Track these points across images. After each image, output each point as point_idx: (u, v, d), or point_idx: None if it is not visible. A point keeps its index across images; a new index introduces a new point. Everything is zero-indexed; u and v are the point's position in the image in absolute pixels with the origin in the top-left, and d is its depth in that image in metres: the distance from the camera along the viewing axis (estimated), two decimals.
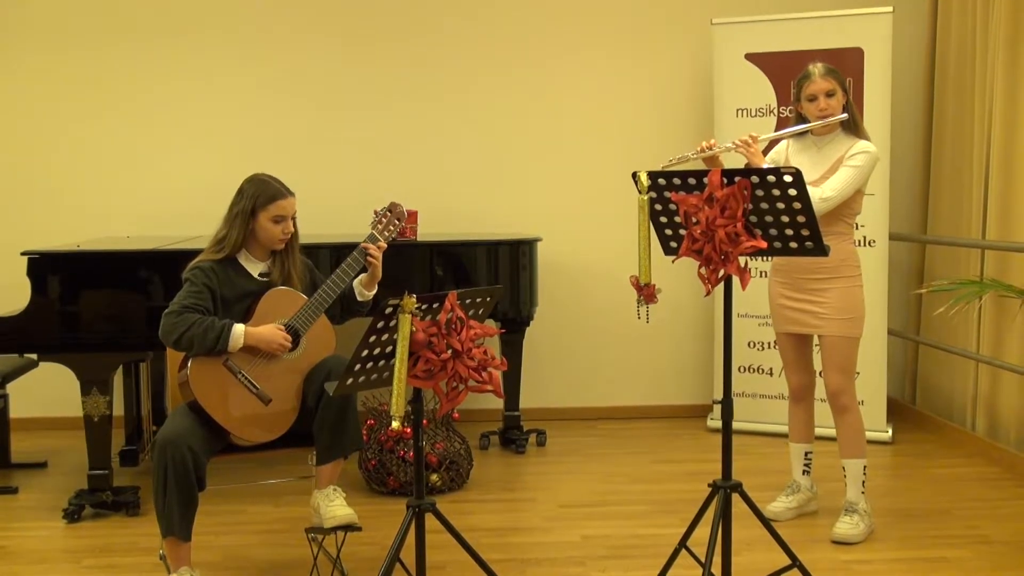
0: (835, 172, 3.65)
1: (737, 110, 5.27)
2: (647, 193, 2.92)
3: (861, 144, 3.67)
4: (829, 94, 3.66)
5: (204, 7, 5.47)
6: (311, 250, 3.92)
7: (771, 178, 2.83)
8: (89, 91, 5.45)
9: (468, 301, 2.80)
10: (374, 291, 3.55)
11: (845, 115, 3.68)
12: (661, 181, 2.95)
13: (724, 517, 2.97)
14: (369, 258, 3.39)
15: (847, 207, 3.67)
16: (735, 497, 3.00)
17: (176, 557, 3.15)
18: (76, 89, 5.45)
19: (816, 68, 3.69)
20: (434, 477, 4.28)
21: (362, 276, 3.51)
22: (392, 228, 3.47)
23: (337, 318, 3.54)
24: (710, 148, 3.48)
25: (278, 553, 3.67)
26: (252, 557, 3.64)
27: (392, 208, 3.49)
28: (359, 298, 3.53)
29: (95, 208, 5.44)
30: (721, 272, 2.89)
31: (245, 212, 3.32)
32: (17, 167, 5.46)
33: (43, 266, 4.02)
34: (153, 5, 5.45)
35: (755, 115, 5.23)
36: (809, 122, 3.70)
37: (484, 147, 5.63)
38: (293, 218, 3.39)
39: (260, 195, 3.32)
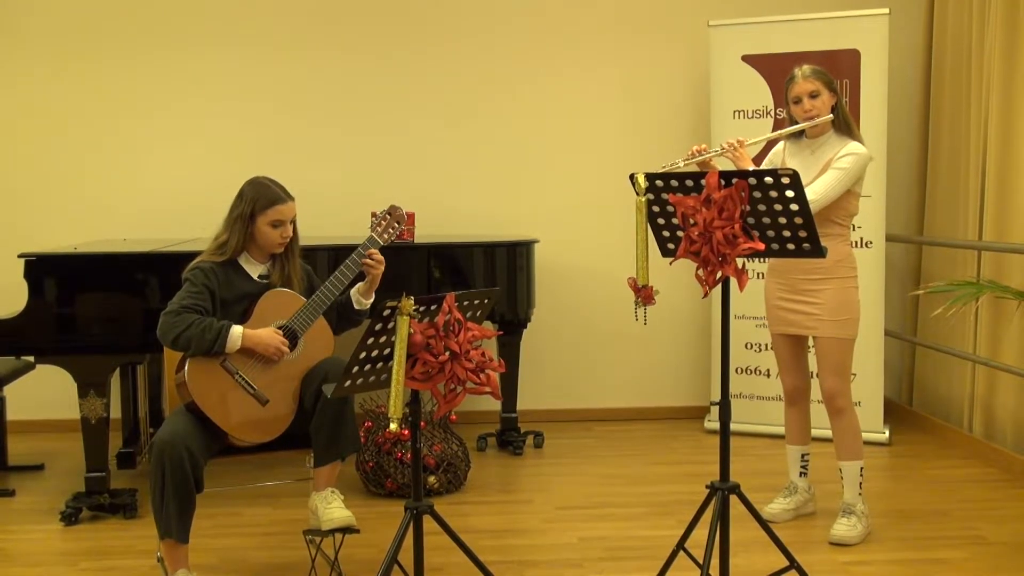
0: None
1: (734, 112, 5.27)
2: (644, 195, 2.92)
3: (850, 146, 3.65)
4: (813, 95, 3.65)
5: (202, 11, 5.47)
6: (309, 252, 3.90)
7: (768, 180, 2.83)
8: (87, 95, 5.45)
9: (466, 303, 2.80)
10: (372, 299, 3.52)
11: (831, 116, 3.67)
12: (659, 183, 2.95)
13: (722, 519, 2.97)
14: (368, 264, 3.38)
15: (840, 208, 3.67)
16: (733, 499, 3.00)
17: (173, 559, 3.15)
18: (74, 93, 5.44)
19: (800, 70, 3.69)
20: (432, 479, 4.28)
21: (359, 284, 3.50)
22: (392, 231, 3.46)
23: (334, 327, 3.51)
24: (701, 153, 3.49)
25: (276, 555, 3.67)
26: (250, 559, 3.64)
27: (392, 211, 3.48)
28: (356, 306, 3.51)
29: (92, 211, 5.44)
30: (719, 274, 2.89)
31: (244, 216, 3.31)
32: (15, 170, 5.45)
33: (40, 268, 4.01)
34: (152, 11, 5.45)
35: (752, 117, 5.23)
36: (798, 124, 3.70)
37: (481, 149, 5.63)
38: (293, 222, 3.39)
39: (259, 199, 3.31)
